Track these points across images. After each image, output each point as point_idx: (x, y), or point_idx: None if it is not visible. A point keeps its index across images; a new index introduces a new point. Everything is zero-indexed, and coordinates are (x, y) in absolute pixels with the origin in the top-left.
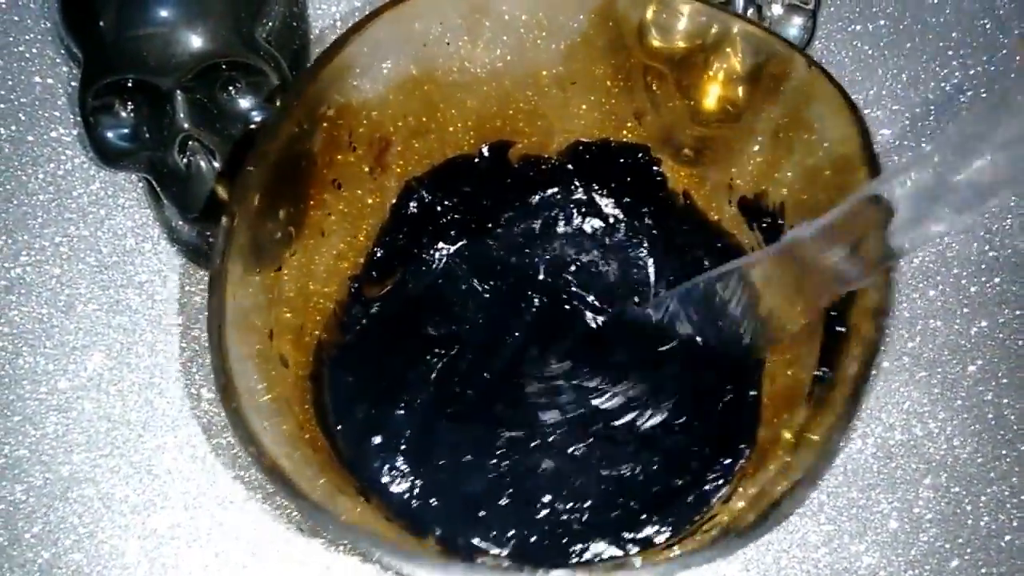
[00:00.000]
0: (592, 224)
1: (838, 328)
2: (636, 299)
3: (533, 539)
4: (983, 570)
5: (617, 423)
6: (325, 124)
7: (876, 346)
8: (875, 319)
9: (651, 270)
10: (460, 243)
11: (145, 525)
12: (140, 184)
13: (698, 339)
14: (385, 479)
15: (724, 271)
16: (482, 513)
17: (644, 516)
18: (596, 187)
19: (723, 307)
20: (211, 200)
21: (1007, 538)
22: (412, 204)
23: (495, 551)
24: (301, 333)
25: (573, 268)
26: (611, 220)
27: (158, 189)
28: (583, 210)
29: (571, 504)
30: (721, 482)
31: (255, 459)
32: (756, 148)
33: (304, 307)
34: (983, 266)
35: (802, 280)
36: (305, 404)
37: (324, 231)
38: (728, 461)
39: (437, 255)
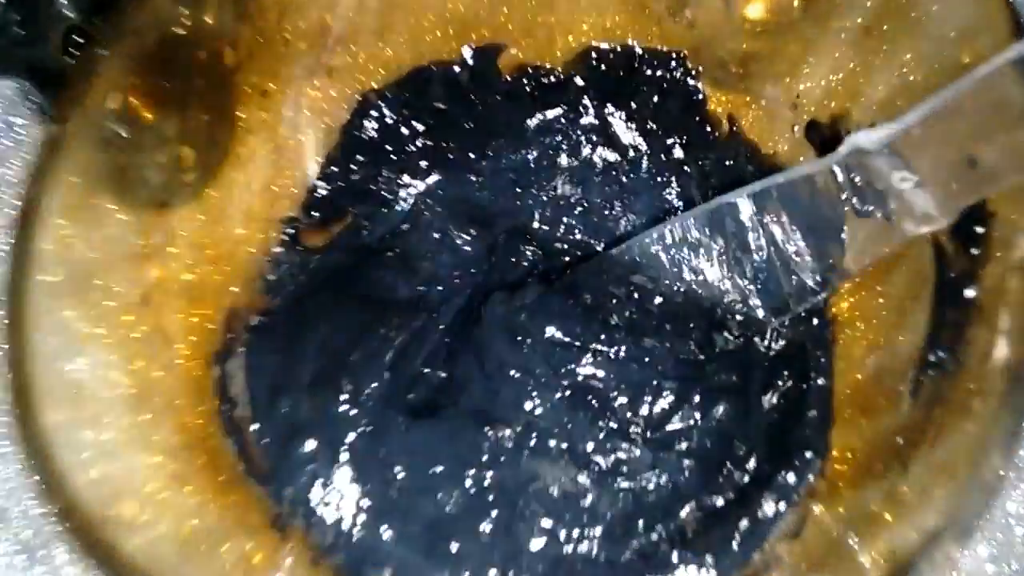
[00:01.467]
0: (605, 156)
1: (965, 292)
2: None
3: None
4: None
5: (633, 417)
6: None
7: None
8: None
9: None
10: (432, 178)
11: None
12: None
13: (729, 288)
14: (316, 500)
15: (767, 186)
16: (454, 546)
17: (675, 554)
18: (612, 108)
19: (762, 235)
20: None
21: None
22: (370, 124)
23: None
24: (199, 297)
25: (578, 213)
26: (630, 152)
27: (37, 101)
28: (594, 138)
29: (577, 532)
30: (781, 506)
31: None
32: (836, 53)
33: (208, 261)
34: None
35: (873, 203)
36: (200, 397)
37: (243, 156)
38: (789, 476)
39: (402, 194)
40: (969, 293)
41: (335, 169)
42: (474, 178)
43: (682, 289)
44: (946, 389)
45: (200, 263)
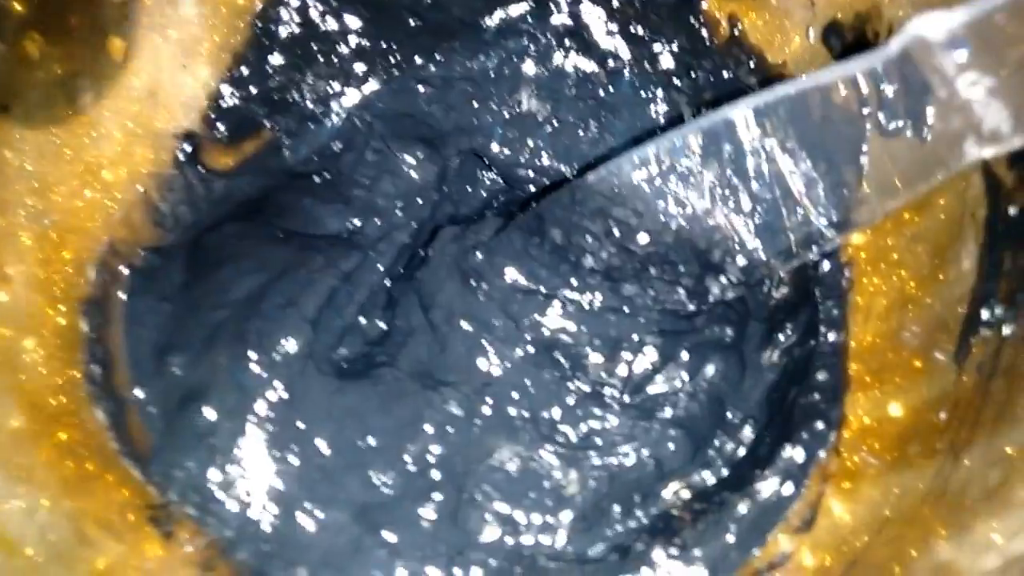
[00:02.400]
0: (579, 65)
1: None
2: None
3: None
4: None
5: (608, 379)
6: None
7: None
8: None
9: None
10: (370, 87)
11: None
12: None
13: (724, 224)
14: (215, 484)
15: (771, 99)
16: (389, 536)
17: (658, 548)
18: (589, 5)
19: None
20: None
21: None
22: (288, 15)
23: None
24: (64, 229)
25: (546, 133)
26: (610, 61)
27: None
28: (566, 43)
29: (538, 520)
30: (786, 488)
31: None
32: None
33: (75, 183)
34: None
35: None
36: (61, 358)
37: (117, 52)
38: (795, 451)
39: (332, 106)
40: None
41: (245, 72)
42: (421, 88)
43: (670, 226)
44: (1008, 355)
45: (62, 186)
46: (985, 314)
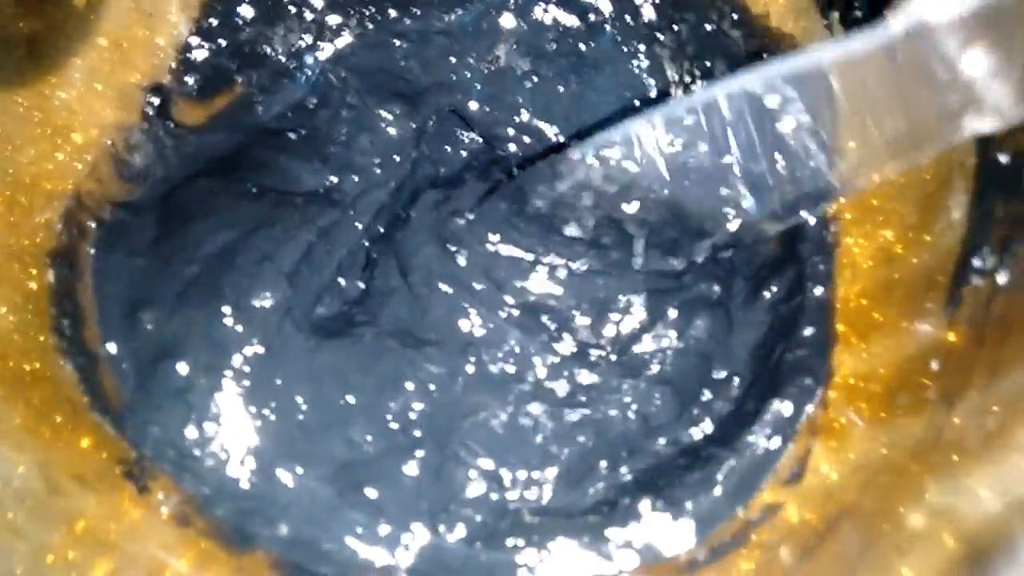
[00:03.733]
0: (559, 19)
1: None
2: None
3: (456, 541)
4: None
5: (595, 338)
6: None
7: None
8: None
9: (652, 92)
10: (344, 40)
11: None
12: None
13: (717, 188)
14: (191, 440)
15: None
16: (371, 492)
17: (645, 502)
18: None
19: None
20: None
21: None
22: None
23: (388, 565)
24: (28, 183)
25: (527, 89)
26: (591, 15)
27: None
28: None
29: (523, 475)
30: (773, 443)
31: None
32: None
33: (39, 135)
34: None
35: (915, 98)
36: (38, 320)
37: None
38: (784, 406)
39: (306, 59)
40: None
41: (214, 23)
42: (397, 42)
43: (661, 195)
44: (1001, 303)
45: (32, 149)
46: (977, 263)
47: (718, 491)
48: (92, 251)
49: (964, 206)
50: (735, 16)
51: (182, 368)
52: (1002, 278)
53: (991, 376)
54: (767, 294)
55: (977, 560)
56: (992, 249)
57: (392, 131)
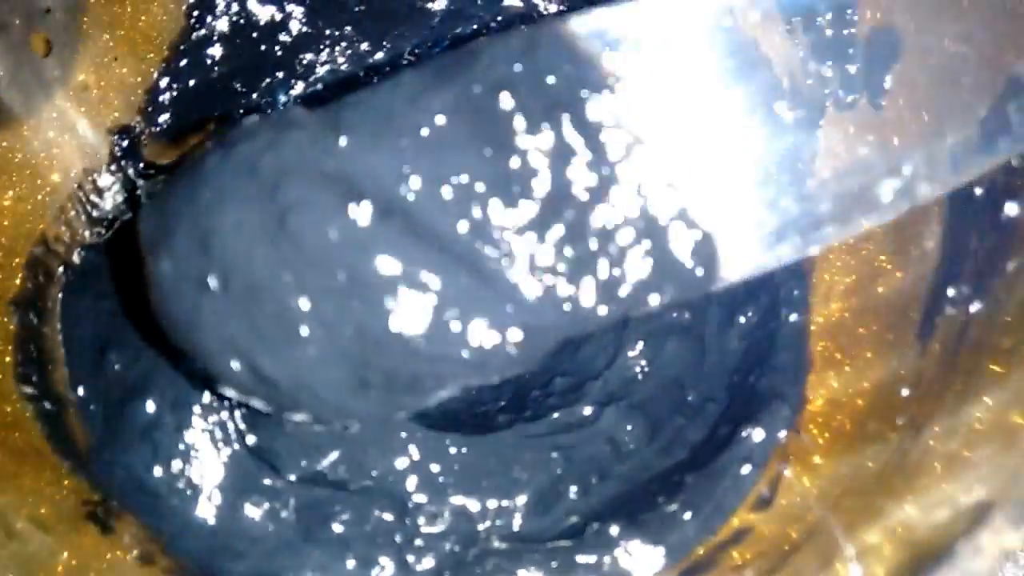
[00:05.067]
0: None
1: (1004, 209)
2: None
3: (424, 571)
4: None
5: (562, 362)
6: None
7: None
8: None
9: None
10: (316, 76)
11: None
12: None
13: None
14: (156, 480)
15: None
16: (339, 529)
17: (615, 527)
18: None
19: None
20: None
21: None
22: (226, 6)
23: None
24: (12, 243)
25: None
26: None
27: None
28: (517, 26)
29: (494, 503)
30: (745, 469)
31: None
32: None
33: (24, 189)
34: None
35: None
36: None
37: (49, 48)
38: (755, 432)
39: (278, 96)
40: (1010, 210)
41: (182, 63)
42: (369, 76)
43: None
44: (975, 332)
45: (8, 191)
46: (951, 292)
47: (688, 516)
48: (60, 296)
49: (938, 236)
50: None
51: (149, 406)
52: (975, 308)
53: (960, 403)
54: (741, 319)
55: (919, 567)
56: (966, 280)
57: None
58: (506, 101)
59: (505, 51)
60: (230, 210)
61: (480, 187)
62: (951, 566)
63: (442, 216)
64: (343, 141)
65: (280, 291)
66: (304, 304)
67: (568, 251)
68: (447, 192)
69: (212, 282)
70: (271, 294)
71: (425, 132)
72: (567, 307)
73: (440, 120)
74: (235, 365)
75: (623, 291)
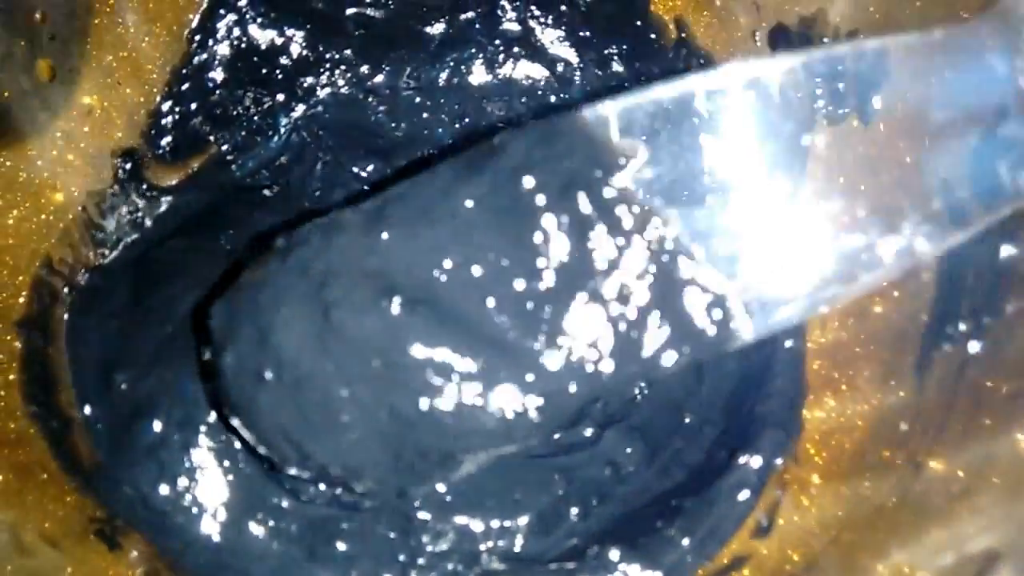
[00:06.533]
0: (529, 72)
1: (1000, 250)
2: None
3: None
4: None
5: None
6: None
7: None
8: None
9: None
10: (316, 99)
11: None
12: None
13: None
14: (163, 498)
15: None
16: (344, 547)
17: (615, 551)
18: (537, 11)
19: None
20: None
21: None
22: (228, 31)
23: None
24: (16, 262)
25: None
26: (559, 66)
27: None
28: (515, 50)
29: (496, 523)
30: (743, 495)
31: None
32: None
33: (28, 208)
34: None
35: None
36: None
37: (54, 73)
38: (753, 459)
39: (280, 118)
40: (1007, 250)
41: (184, 87)
42: (369, 99)
43: None
44: (974, 372)
45: (13, 211)
46: (949, 330)
47: (686, 542)
48: (66, 317)
49: (934, 268)
50: (701, 67)
51: (156, 425)
52: (974, 347)
53: (961, 442)
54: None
55: None
56: (963, 317)
57: (364, 187)
58: (528, 182)
59: (526, 141)
60: (283, 309)
61: (504, 262)
62: None
63: (468, 296)
64: (385, 236)
65: (323, 380)
66: (344, 392)
67: (586, 319)
68: (476, 271)
69: (268, 375)
70: (316, 383)
71: (457, 218)
72: (587, 372)
73: (469, 204)
74: (288, 451)
75: (641, 355)
